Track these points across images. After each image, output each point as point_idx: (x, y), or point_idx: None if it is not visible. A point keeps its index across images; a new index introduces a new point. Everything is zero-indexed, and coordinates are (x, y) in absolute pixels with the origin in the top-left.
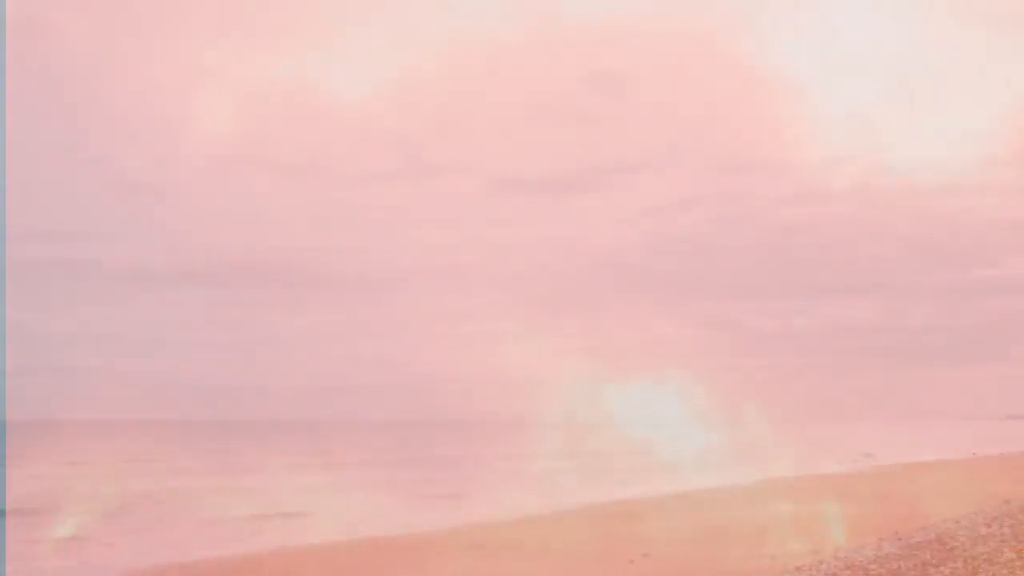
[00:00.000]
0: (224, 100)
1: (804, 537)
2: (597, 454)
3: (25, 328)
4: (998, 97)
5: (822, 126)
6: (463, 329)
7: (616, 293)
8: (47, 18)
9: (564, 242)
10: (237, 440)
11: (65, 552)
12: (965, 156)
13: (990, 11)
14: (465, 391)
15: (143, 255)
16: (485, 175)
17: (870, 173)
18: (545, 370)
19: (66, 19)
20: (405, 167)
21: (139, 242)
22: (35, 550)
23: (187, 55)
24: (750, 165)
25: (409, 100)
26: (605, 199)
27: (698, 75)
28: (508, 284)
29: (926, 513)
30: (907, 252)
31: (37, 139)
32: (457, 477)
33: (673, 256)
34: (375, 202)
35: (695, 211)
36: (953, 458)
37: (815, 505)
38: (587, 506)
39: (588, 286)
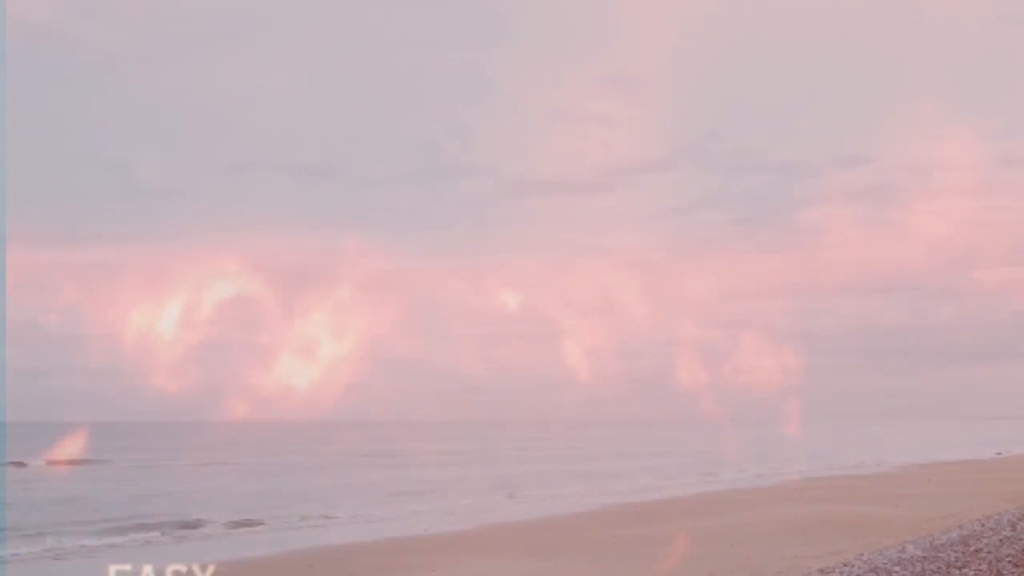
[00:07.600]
0: (237, 102)
1: (827, 538)
2: (631, 455)
3: (31, 330)
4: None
5: (842, 125)
6: (482, 330)
7: (637, 293)
8: (55, 20)
9: (583, 243)
10: (294, 442)
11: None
12: (987, 154)
13: (1013, 14)
14: (487, 392)
15: (159, 258)
16: (502, 177)
17: (892, 172)
18: (566, 371)
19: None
20: (422, 168)
21: (154, 245)
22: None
23: (195, 58)
24: (770, 165)
25: (426, 102)
26: (625, 200)
27: (713, 76)
28: (527, 286)
29: (950, 514)
30: (930, 251)
31: (47, 140)
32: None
33: (694, 256)
34: (392, 203)
35: (716, 211)
36: (978, 458)
37: (838, 506)
38: (605, 507)
39: (609, 287)
